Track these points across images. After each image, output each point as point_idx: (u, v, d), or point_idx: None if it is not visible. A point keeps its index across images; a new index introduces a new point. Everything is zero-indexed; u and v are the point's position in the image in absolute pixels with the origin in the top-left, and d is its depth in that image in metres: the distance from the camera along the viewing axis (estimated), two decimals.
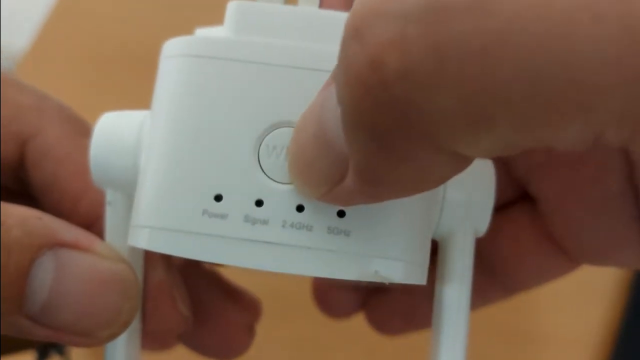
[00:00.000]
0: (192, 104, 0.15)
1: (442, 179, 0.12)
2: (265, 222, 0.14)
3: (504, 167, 0.19)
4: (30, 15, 0.42)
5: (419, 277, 0.15)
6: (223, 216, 0.14)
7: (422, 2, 0.10)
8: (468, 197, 0.16)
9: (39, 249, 0.14)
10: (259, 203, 0.14)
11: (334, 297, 0.22)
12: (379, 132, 0.11)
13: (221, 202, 0.14)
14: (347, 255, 0.14)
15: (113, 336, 0.15)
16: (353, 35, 0.11)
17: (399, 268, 0.14)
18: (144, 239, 0.15)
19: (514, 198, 0.20)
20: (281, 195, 0.14)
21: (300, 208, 0.14)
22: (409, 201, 0.15)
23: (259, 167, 0.14)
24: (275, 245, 0.14)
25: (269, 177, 0.14)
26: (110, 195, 0.17)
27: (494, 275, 0.20)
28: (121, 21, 0.40)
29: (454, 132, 0.11)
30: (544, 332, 0.31)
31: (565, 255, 0.19)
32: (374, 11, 0.11)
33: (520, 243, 0.19)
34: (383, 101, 0.11)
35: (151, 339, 0.19)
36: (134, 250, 0.17)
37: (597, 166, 0.17)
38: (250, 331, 0.21)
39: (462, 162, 0.12)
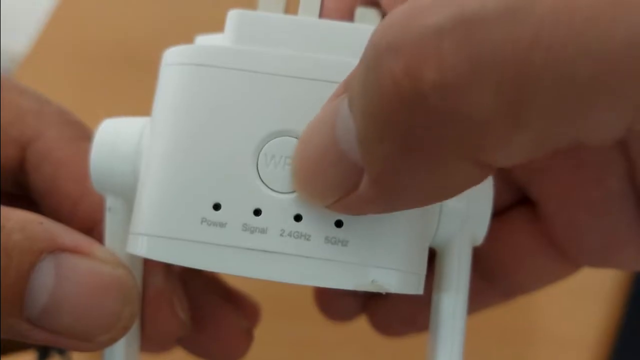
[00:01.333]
0: (192, 112, 0.15)
1: (463, 189, 0.13)
2: (263, 231, 0.14)
3: (502, 172, 0.19)
4: (30, 16, 0.42)
5: (415, 287, 0.15)
6: (222, 225, 0.14)
7: (455, 14, 0.10)
8: (466, 207, 0.16)
9: (40, 253, 0.14)
10: (257, 212, 0.14)
11: (336, 300, 0.22)
12: (408, 142, 0.11)
13: (220, 211, 0.14)
14: (345, 264, 0.14)
15: (112, 341, 0.15)
16: (386, 49, 0.11)
17: (396, 278, 0.14)
18: (142, 247, 0.15)
19: (513, 202, 0.20)
20: (279, 204, 0.14)
21: (298, 217, 0.14)
22: (407, 211, 0.15)
23: (258, 176, 0.14)
24: (273, 254, 0.14)
25: (267, 186, 0.14)
26: (110, 202, 0.17)
27: (493, 279, 0.20)
28: (121, 23, 0.40)
29: (489, 136, 0.11)
30: (544, 332, 0.31)
31: (565, 258, 0.19)
32: (408, 25, 0.11)
33: (520, 247, 0.19)
34: (419, 112, 0.11)
35: (150, 343, 0.19)
36: (133, 255, 0.17)
37: (597, 168, 0.17)
38: (248, 335, 0.21)
39: (485, 171, 0.12)
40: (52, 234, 0.15)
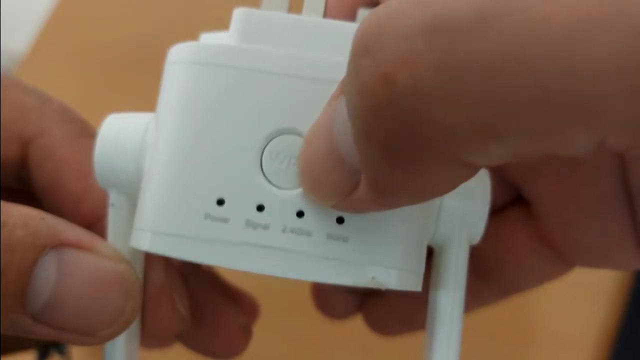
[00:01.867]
0: (197, 110, 0.15)
1: (454, 186, 0.13)
2: (265, 227, 0.14)
3: (498, 171, 0.19)
4: (30, 16, 0.42)
5: (414, 284, 0.15)
6: (225, 220, 0.14)
7: (427, 20, 0.10)
8: (464, 207, 0.17)
9: (42, 248, 0.14)
10: (260, 208, 0.14)
11: (332, 298, 0.22)
12: (391, 147, 0.11)
13: (223, 207, 0.14)
14: (345, 261, 0.14)
15: (115, 334, 0.15)
16: (362, 53, 0.11)
17: (395, 275, 0.14)
18: (146, 242, 0.15)
19: (508, 201, 0.20)
20: (282, 201, 0.14)
21: (300, 214, 0.14)
22: (407, 210, 0.15)
23: (262, 173, 0.15)
24: (275, 249, 0.14)
25: (271, 182, 0.14)
26: (113, 197, 0.17)
27: (489, 277, 0.20)
28: (121, 22, 0.41)
29: (463, 144, 0.11)
30: (544, 331, 0.31)
31: (559, 257, 0.19)
32: (382, 29, 0.11)
33: (515, 246, 0.19)
34: (394, 116, 0.11)
35: (150, 338, 0.19)
36: (135, 251, 0.17)
37: (590, 168, 0.17)
38: (247, 332, 0.21)
39: (471, 170, 0.12)
40: (55, 230, 0.15)
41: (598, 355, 0.30)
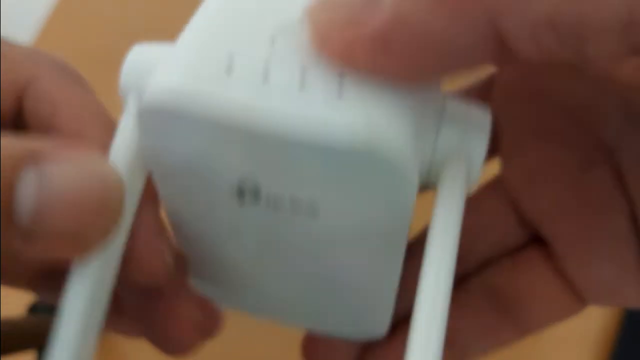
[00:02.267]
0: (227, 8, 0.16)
1: (466, 60, 0.13)
2: (274, 84, 0.15)
3: (516, 212, 0.19)
4: (30, 15, 0.42)
5: (408, 155, 0.15)
6: (232, 73, 0.15)
7: None
8: (462, 133, 0.17)
9: (21, 164, 0.14)
10: (267, 72, 0.15)
11: (325, 351, 0.22)
12: None
13: (235, 64, 0.15)
14: (341, 113, 0.14)
15: (104, 235, 0.15)
16: None
17: (390, 130, 0.14)
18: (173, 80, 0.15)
19: (527, 241, 0.20)
20: (290, 65, 0.15)
21: (302, 81, 0.15)
22: (409, 98, 0.15)
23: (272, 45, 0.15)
24: (277, 99, 0.15)
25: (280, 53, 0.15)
26: (130, 101, 0.17)
27: (508, 315, 0.20)
28: (121, 21, 0.41)
29: None
30: (544, 332, 0.31)
31: (576, 295, 0.19)
32: None
33: (534, 283, 0.19)
34: None
35: (130, 286, 0.18)
36: (134, 173, 0.17)
37: (602, 208, 0.18)
38: (199, 330, 0.19)
39: (494, 46, 0.13)
40: (31, 144, 0.15)
41: (598, 356, 0.30)
